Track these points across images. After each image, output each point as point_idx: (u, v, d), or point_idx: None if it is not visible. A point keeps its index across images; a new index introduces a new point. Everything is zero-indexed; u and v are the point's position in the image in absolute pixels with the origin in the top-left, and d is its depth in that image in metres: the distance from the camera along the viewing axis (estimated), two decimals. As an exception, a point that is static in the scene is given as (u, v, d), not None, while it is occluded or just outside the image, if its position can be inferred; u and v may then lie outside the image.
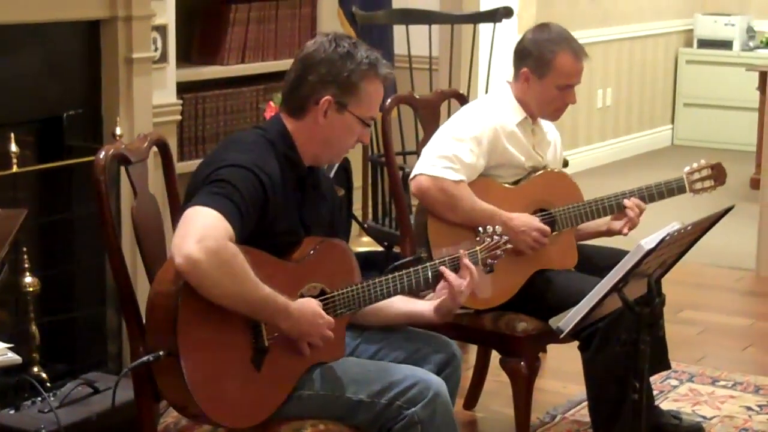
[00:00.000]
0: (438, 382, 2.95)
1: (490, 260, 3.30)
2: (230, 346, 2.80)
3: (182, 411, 2.91)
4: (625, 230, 4.01)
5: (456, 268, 3.16)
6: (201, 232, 2.68)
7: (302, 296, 2.95)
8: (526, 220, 3.84)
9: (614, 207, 4.00)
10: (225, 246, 2.69)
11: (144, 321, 2.86)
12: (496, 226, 3.36)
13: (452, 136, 3.86)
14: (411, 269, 3.12)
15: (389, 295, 3.08)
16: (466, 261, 3.16)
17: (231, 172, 2.83)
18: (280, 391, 2.90)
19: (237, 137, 3.13)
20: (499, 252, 3.31)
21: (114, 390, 2.88)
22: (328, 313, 2.95)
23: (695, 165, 4.14)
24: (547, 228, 3.85)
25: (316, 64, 2.99)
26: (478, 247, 3.29)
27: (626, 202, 3.98)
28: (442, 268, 3.14)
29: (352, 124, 3.02)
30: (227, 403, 2.80)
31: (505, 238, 3.33)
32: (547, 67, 3.91)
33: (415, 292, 3.24)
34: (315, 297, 2.97)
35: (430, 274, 3.14)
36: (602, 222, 4.05)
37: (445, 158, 3.80)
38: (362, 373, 2.96)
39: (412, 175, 3.87)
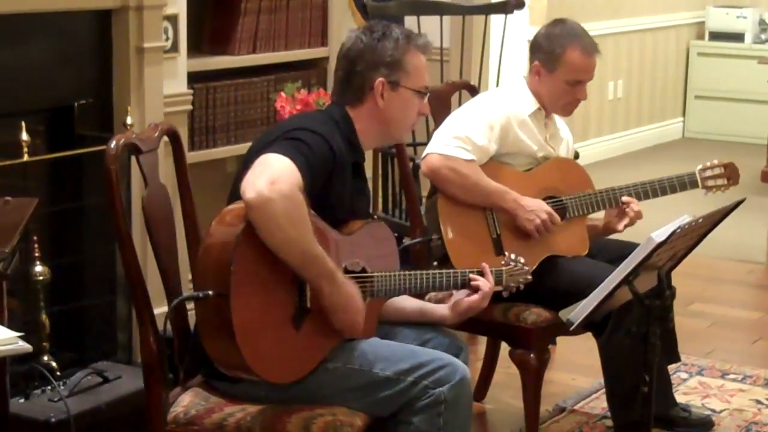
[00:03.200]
0: (464, 368, 3.00)
1: (511, 284, 3.39)
2: (275, 301, 2.87)
3: (218, 362, 2.92)
4: (621, 227, 4.00)
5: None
6: (276, 174, 2.76)
7: (345, 269, 3.00)
8: (537, 202, 3.86)
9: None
10: (296, 193, 2.77)
11: (161, 307, 2.88)
12: (520, 258, 3.39)
13: (465, 118, 3.89)
14: (451, 272, 3.23)
15: (422, 290, 3.19)
16: (487, 270, 3.27)
17: (307, 135, 2.94)
18: (313, 354, 2.95)
19: (306, 113, 3.26)
20: (520, 279, 3.40)
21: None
22: (364, 293, 3.01)
23: (708, 164, 4.14)
24: (556, 216, 3.86)
25: (359, 54, 3.12)
26: (504, 268, 3.37)
27: (625, 198, 3.98)
28: (472, 275, 3.25)
29: (409, 97, 3.15)
30: (265, 354, 2.85)
31: (527, 268, 3.42)
32: (557, 62, 3.93)
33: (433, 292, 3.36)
34: (356, 272, 3.03)
35: (459, 278, 3.25)
36: (597, 220, 4.05)
37: (457, 138, 3.82)
38: (391, 351, 3.01)
39: (423, 155, 3.89)
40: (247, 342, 2.81)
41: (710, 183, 4.13)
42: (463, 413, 2.99)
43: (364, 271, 3.06)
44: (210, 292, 2.80)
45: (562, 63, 3.93)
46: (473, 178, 3.82)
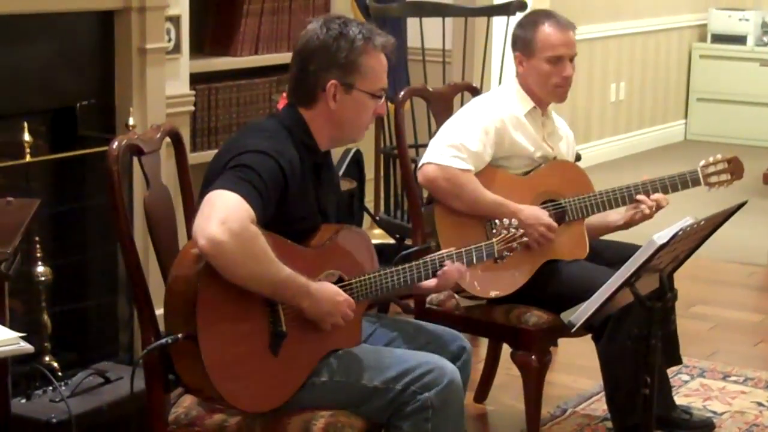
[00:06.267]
0: (452, 370, 2.97)
1: (506, 252, 3.33)
2: (248, 331, 2.83)
3: (198, 394, 2.95)
4: (638, 216, 3.98)
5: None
6: (224, 214, 2.70)
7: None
8: (535, 213, 3.84)
9: (626, 198, 3.99)
10: (247, 228, 2.72)
11: (162, 308, 2.87)
12: (512, 219, 3.38)
13: (460, 125, 3.88)
14: (428, 260, 3.17)
15: (405, 284, 3.12)
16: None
17: (252, 157, 2.86)
18: (297, 376, 2.92)
19: (255, 125, 3.16)
20: (514, 245, 3.34)
21: (132, 373, 2.90)
22: None
23: (710, 159, 4.12)
24: (554, 224, 3.85)
25: (312, 53, 3.02)
26: (494, 239, 3.32)
27: (639, 197, 3.97)
28: (447, 262, 3.19)
29: (363, 100, 3.05)
30: (244, 386, 2.82)
31: (521, 231, 3.37)
32: (532, 43, 3.94)
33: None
34: (333, 284, 2.98)
35: (438, 266, 3.19)
36: (618, 217, 4.03)
37: (452, 147, 3.82)
38: (377, 360, 2.98)
39: (419, 164, 3.89)
40: (223, 380, 2.78)
41: (713, 179, 4.11)
42: (453, 417, 2.96)
43: (341, 280, 3.02)
44: (179, 335, 2.77)
45: (536, 42, 3.93)
46: (469, 189, 3.80)
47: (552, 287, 3.81)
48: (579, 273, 3.78)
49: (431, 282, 3.21)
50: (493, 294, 3.86)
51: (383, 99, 3.11)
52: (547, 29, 3.93)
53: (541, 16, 3.98)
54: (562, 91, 4.00)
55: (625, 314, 3.61)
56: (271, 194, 2.85)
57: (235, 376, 2.81)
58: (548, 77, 3.95)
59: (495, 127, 3.88)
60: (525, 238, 3.38)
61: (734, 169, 4.15)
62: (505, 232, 3.34)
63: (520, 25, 4.02)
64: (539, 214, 3.84)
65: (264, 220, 2.81)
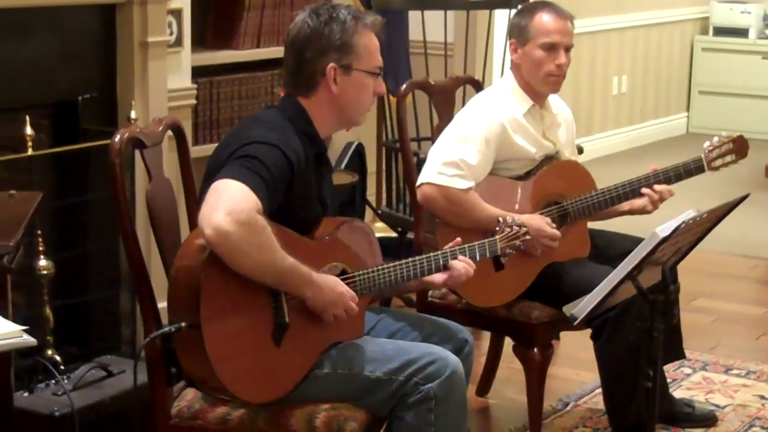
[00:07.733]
0: (455, 361, 2.97)
1: (509, 250, 3.33)
2: (251, 321, 2.83)
3: (201, 385, 2.95)
4: (649, 207, 3.97)
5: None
6: (230, 204, 2.70)
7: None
8: (537, 225, 3.75)
9: (628, 194, 3.97)
10: (254, 218, 2.72)
11: (164, 302, 2.88)
12: (515, 217, 3.36)
13: (458, 138, 3.82)
14: (432, 255, 3.17)
15: (407, 279, 3.12)
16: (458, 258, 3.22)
17: (258, 148, 2.86)
18: (299, 368, 2.92)
19: (257, 116, 3.16)
20: (517, 242, 3.34)
21: (135, 365, 2.91)
22: None
23: (715, 140, 4.08)
24: (557, 233, 3.79)
25: (306, 41, 3.04)
26: (497, 236, 3.31)
27: (644, 190, 3.96)
28: (452, 262, 3.19)
29: (363, 80, 3.07)
30: (246, 377, 2.83)
31: (525, 229, 3.35)
32: (527, 29, 3.92)
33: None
34: (336, 276, 2.99)
35: (441, 262, 3.19)
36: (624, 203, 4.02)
37: (451, 165, 3.77)
38: (380, 351, 2.98)
39: (418, 183, 3.84)
40: (226, 370, 2.79)
41: (717, 163, 4.07)
42: (455, 408, 2.97)
43: (344, 272, 3.03)
44: (182, 324, 2.78)
45: (531, 28, 3.90)
46: (470, 208, 3.76)
47: (554, 288, 3.78)
48: (581, 274, 3.75)
49: (439, 277, 3.20)
50: (494, 303, 3.86)
51: (380, 78, 3.12)
52: (543, 16, 3.91)
53: (539, 5, 3.97)
54: (554, 80, 3.94)
55: (625, 314, 3.60)
56: (278, 185, 2.86)
57: (238, 366, 2.81)
58: (541, 65, 3.91)
59: (495, 133, 3.83)
60: (528, 236, 3.38)
61: (739, 148, 4.12)
62: (508, 230, 3.34)
63: (518, 13, 4.02)
64: (541, 226, 3.77)
65: (271, 210, 2.82)
